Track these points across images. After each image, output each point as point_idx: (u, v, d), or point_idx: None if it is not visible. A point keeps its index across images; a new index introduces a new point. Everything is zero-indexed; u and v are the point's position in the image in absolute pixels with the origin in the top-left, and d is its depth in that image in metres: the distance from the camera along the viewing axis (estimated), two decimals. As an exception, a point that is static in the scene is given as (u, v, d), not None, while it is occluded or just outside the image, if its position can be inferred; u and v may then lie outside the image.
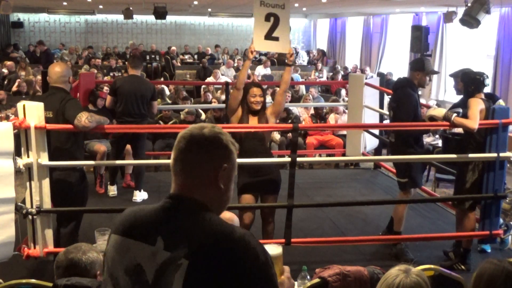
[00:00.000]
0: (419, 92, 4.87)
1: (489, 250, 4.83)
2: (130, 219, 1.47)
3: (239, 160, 4.29)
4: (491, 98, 4.56)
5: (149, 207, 1.48)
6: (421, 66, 4.66)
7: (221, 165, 1.46)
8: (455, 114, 4.22)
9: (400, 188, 4.77)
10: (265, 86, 11.85)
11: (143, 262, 1.39)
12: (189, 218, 1.40)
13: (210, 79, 12.61)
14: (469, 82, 4.37)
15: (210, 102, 9.34)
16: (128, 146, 6.32)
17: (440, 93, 12.49)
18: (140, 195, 6.16)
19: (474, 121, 4.15)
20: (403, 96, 4.64)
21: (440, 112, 4.33)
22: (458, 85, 4.65)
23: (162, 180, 6.44)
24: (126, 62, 6.35)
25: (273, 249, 1.72)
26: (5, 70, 12.41)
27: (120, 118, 6.00)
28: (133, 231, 1.43)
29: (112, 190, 6.20)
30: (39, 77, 11.22)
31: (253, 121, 4.16)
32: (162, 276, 1.36)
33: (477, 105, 4.24)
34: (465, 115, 4.23)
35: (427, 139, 7.95)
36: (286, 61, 4.43)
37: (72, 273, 2.19)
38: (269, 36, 4.24)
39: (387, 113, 7.42)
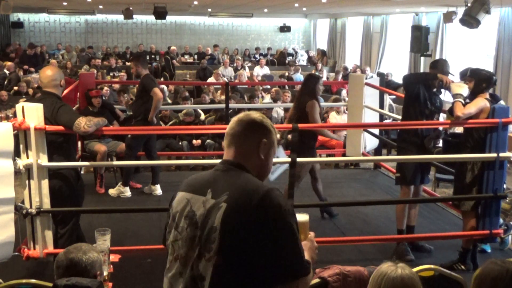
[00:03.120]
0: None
1: (489, 250, 4.83)
2: (191, 180, 1.94)
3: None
4: (493, 99, 4.56)
5: (206, 171, 1.94)
6: (435, 65, 4.74)
7: (262, 140, 1.89)
8: (460, 99, 4.28)
9: (395, 183, 4.85)
10: (267, 86, 11.91)
11: (196, 209, 1.83)
12: (232, 175, 1.84)
13: (211, 79, 12.61)
14: (480, 80, 4.36)
15: (213, 102, 9.35)
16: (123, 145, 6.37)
17: (440, 93, 12.47)
18: (158, 188, 6.29)
19: (462, 111, 4.22)
20: (407, 92, 4.73)
21: (457, 90, 4.37)
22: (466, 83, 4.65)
23: (163, 180, 6.43)
24: (133, 63, 6.26)
25: (300, 216, 1.98)
26: (6, 71, 12.41)
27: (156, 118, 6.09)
28: (192, 187, 1.89)
29: (127, 191, 6.19)
30: (35, 76, 11.25)
31: None
32: (207, 217, 1.78)
33: (479, 102, 4.26)
34: None
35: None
36: None
37: (72, 273, 2.19)
38: None
39: (387, 113, 7.45)
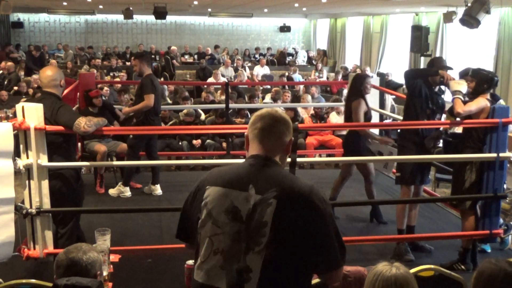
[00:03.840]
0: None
1: (489, 250, 4.83)
2: (223, 174, 1.98)
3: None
4: (492, 99, 4.56)
5: (235, 165, 2.03)
6: (431, 63, 4.78)
7: (290, 137, 2.04)
8: (459, 96, 4.28)
9: (395, 183, 4.87)
10: (267, 87, 11.91)
11: (238, 204, 1.89)
12: (271, 171, 1.94)
13: (211, 80, 12.61)
14: (482, 80, 4.36)
15: (213, 102, 9.33)
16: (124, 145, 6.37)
17: (440, 93, 12.47)
18: (158, 188, 6.30)
19: (462, 108, 4.21)
20: (408, 89, 4.74)
21: (456, 87, 4.35)
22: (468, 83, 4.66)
23: (163, 180, 6.43)
24: (137, 61, 6.15)
25: None
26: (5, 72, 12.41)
27: (152, 117, 6.02)
28: (228, 182, 1.93)
29: (127, 191, 6.19)
30: (35, 76, 11.24)
31: None
32: (254, 212, 1.86)
33: (480, 102, 4.26)
34: None
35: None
36: None
37: (73, 273, 2.18)
38: None
39: (387, 113, 7.44)
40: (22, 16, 18.64)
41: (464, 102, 4.32)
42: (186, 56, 17.86)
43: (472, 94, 4.41)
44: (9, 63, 12.65)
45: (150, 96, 5.89)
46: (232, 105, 7.95)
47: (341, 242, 1.90)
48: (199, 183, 2.02)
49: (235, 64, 15.52)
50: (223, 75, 13.31)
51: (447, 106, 4.74)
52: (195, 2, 13.48)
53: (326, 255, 1.87)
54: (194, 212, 1.99)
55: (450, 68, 4.67)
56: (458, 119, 4.36)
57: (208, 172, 2.06)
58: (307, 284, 1.94)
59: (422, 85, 4.56)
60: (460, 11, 9.34)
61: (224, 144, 7.93)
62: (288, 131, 2.02)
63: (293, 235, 1.83)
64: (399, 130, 5.10)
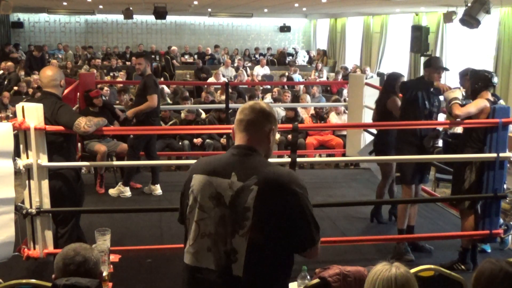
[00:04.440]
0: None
1: (489, 250, 4.84)
2: (206, 163, 2.11)
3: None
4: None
5: (220, 155, 2.15)
6: (428, 63, 4.73)
7: (272, 127, 2.13)
8: (456, 101, 4.26)
9: (395, 183, 4.85)
10: (267, 87, 11.91)
11: (222, 191, 2.01)
12: (252, 159, 2.06)
13: (211, 79, 12.61)
14: (476, 79, 4.36)
15: (213, 102, 9.33)
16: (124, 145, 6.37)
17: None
18: (158, 188, 6.33)
19: (461, 111, 4.21)
20: (404, 95, 4.71)
21: (452, 95, 4.35)
22: (465, 83, 4.66)
23: (163, 180, 6.43)
24: (143, 60, 6.09)
25: None
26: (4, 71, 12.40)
27: (153, 118, 6.04)
28: (211, 171, 2.06)
29: (127, 191, 6.19)
30: (35, 76, 11.24)
31: None
32: (237, 198, 1.98)
33: (480, 103, 4.26)
34: None
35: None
36: None
37: (84, 270, 2.18)
38: None
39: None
40: (22, 16, 18.64)
41: (464, 105, 4.32)
42: (186, 56, 17.86)
43: (472, 94, 4.41)
44: (9, 63, 12.63)
45: (154, 97, 5.90)
46: (232, 105, 7.95)
47: (315, 222, 2.06)
48: (189, 172, 2.15)
49: (235, 64, 15.51)
50: (223, 75, 13.31)
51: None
52: (195, 2, 13.48)
53: (304, 235, 2.02)
54: (184, 199, 2.13)
55: (447, 69, 4.67)
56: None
57: (195, 161, 2.21)
58: (290, 262, 2.08)
59: (418, 91, 4.57)
60: (460, 11, 9.34)
61: (223, 141, 7.92)
62: (267, 121, 2.12)
63: (274, 218, 1.97)
64: (396, 131, 5.09)
